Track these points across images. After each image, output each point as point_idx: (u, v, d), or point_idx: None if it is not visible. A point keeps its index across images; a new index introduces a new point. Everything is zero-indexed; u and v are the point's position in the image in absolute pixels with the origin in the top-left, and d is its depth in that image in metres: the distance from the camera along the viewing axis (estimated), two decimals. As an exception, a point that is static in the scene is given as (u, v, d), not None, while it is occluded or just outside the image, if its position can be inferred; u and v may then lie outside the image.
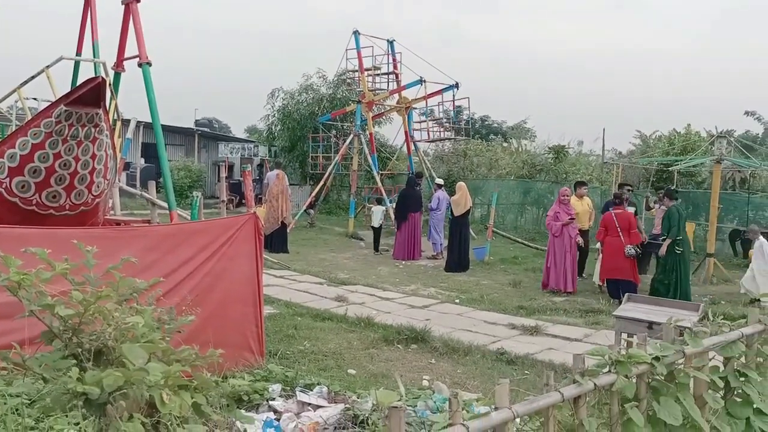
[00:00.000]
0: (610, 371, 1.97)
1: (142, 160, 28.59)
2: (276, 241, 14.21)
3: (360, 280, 11.26)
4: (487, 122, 48.99)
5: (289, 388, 4.85)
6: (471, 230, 17.95)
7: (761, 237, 10.29)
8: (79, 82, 6.16)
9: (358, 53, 19.42)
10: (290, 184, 24.41)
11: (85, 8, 7.37)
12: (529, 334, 7.95)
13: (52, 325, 1.80)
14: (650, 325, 5.33)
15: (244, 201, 20.49)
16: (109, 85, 5.77)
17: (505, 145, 31.39)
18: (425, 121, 21.20)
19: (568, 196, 11.25)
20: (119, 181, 8.31)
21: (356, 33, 19.28)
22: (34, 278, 1.90)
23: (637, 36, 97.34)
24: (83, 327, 1.83)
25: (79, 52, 7.58)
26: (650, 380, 2.17)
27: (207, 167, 30.49)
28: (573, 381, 1.85)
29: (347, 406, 4.51)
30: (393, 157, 23.06)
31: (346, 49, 19.77)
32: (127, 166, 27.23)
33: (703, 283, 11.98)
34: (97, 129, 5.21)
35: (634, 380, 2.07)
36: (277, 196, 14.58)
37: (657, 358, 2.09)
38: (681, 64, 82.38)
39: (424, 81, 19.45)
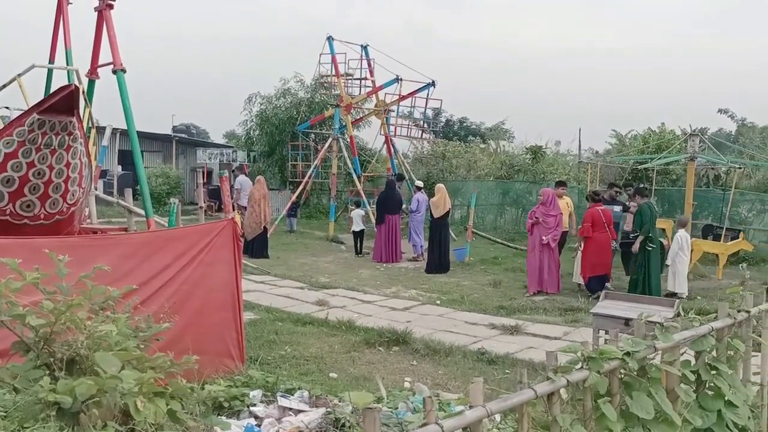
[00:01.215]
0: (582, 368, 2.00)
1: (119, 168, 28.29)
2: (256, 246, 14.16)
3: (341, 283, 11.26)
4: (465, 124, 49.24)
5: (270, 393, 4.84)
6: (451, 231, 18.05)
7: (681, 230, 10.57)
8: (53, 90, 6.09)
9: (333, 58, 19.51)
10: (270, 189, 24.40)
11: (57, 15, 7.28)
12: (509, 334, 8.02)
13: (24, 335, 1.79)
14: (627, 321, 5.41)
15: (222, 206, 20.47)
16: (83, 92, 5.73)
17: (483, 146, 31.58)
18: (401, 117, 21.29)
19: (543, 196, 11.03)
20: (96, 189, 8.22)
21: (330, 38, 19.38)
22: (4, 288, 1.88)
23: (613, 34, 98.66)
24: (55, 336, 1.82)
25: (52, 60, 7.49)
26: (623, 375, 2.21)
27: (185, 173, 30.25)
28: (546, 378, 1.88)
29: (328, 409, 4.51)
30: (372, 159, 23.08)
31: (320, 54, 19.84)
32: (103, 173, 26.94)
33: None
34: (71, 137, 5.16)
35: (607, 376, 2.11)
36: (259, 201, 14.52)
37: (628, 354, 2.14)
38: (656, 62, 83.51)
39: (401, 79, 19.58)
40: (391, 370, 6.42)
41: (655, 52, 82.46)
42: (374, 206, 15.96)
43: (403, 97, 20.01)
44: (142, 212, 7.27)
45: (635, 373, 2.17)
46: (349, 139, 20.17)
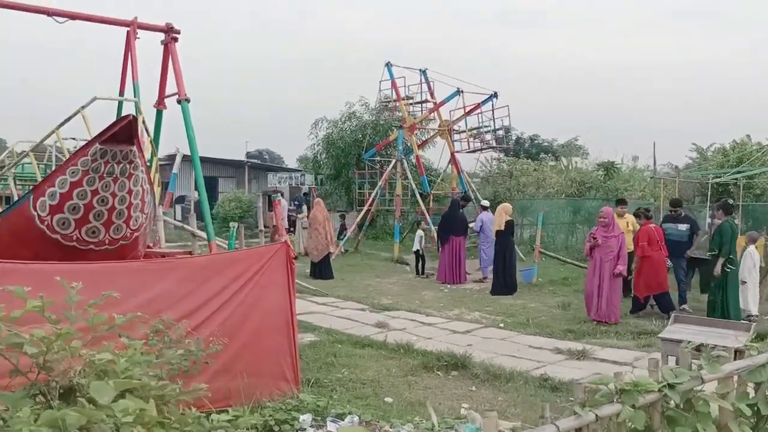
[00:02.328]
0: (615, 401, 1.85)
1: (196, 193, 29.47)
2: (323, 267, 14.35)
3: (403, 305, 11.17)
4: (536, 141, 48.41)
5: (320, 418, 4.81)
6: (519, 252, 17.65)
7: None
8: (141, 123, 6.38)
9: (393, 83, 19.72)
10: (337, 211, 24.75)
11: (126, 50, 7.68)
12: (575, 359, 7.68)
13: (18, 363, 1.82)
14: (698, 347, 5.06)
15: (292, 229, 20.88)
16: (143, 122, 5.98)
17: (552, 163, 30.87)
18: (466, 132, 21.03)
19: (604, 218, 9.89)
20: (162, 214, 8.54)
21: (389, 64, 19.62)
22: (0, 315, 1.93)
23: (695, 46, 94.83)
24: (53, 365, 1.85)
25: (122, 92, 7.90)
26: (665, 409, 2.03)
27: (257, 197, 31.15)
28: (573, 413, 1.74)
29: (378, 436, 4.43)
30: (437, 179, 23.00)
31: (380, 81, 20.08)
32: (181, 199, 28.12)
33: (766, 300, 11.35)
34: (132, 165, 5.37)
35: (646, 410, 1.94)
36: (323, 223, 14.74)
37: (671, 386, 1.96)
38: (741, 72, 79.56)
39: (462, 92, 19.52)
40: (448, 396, 6.25)
41: (741, 62, 78.58)
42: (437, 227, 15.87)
43: (467, 113, 19.92)
44: (205, 236, 7.47)
45: (680, 407, 1.99)
46: (414, 160, 20.20)
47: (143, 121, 6.05)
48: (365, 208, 19.50)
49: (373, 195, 19.63)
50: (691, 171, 23.00)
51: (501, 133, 20.58)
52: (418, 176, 21.28)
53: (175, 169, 10.46)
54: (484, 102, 19.63)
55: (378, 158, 22.01)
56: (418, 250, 15.29)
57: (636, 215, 10.96)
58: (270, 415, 4.67)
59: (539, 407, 5.88)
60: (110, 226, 5.57)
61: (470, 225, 15.71)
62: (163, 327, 4.23)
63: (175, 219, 17.14)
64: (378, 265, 17.16)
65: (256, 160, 36.82)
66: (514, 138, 47.29)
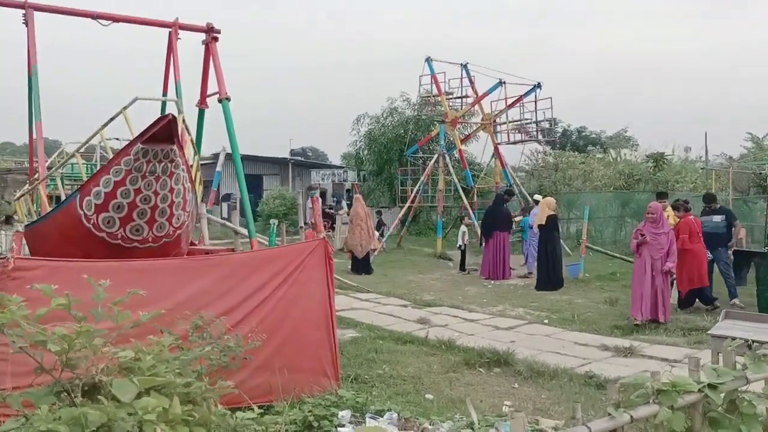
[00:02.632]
0: (652, 402, 1.76)
1: (241, 191, 29.94)
2: (363, 263, 14.41)
3: (445, 301, 11.09)
4: (584, 133, 47.34)
5: (359, 414, 4.80)
6: (565, 246, 17.30)
7: None
8: (181, 122, 6.50)
9: (434, 78, 19.53)
10: (380, 207, 24.75)
11: (168, 51, 7.83)
12: (622, 356, 7.47)
13: (42, 361, 1.85)
14: (750, 344, 4.83)
15: (334, 226, 21.00)
16: (183, 121, 6.06)
17: (600, 156, 30.14)
18: (509, 123, 20.66)
19: (653, 213, 9.24)
20: (206, 212, 8.69)
21: (429, 60, 19.45)
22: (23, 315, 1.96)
23: (749, 31, 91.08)
24: (77, 362, 1.87)
25: (165, 92, 8.06)
26: (707, 411, 1.93)
27: (301, 195, 31.42)
28: (607, 413, 1.67)
29: (416, 433, 4.39)
30: (481, 173, 22.76)
31: (420, 76, 19.92)
32: (227, 197, 28.64)
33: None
34: (173, 164, 5.45)
35: (686, 411, 1.84)
36: (365, 219, 14.91)
37: (712, 386, 1.85)
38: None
39: (504, 83, 19.20)
40: (490, 393, 6.16)
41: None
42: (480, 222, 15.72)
43: (511, 104, 19.61)
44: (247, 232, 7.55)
45: (722, 408, 1.88)
46: (457, 154, 20.01)
47: (183, 120, 6.15)
48: (407, 205, 19.42)
49: (415, 191, 19.53)
50: (746, 161, 22.10)
51: (545, 124, 20.15)
52: (461, 171, 21.09)
53: (218, 168, 10.62)
54: (527, 93, 19.29)
55: (420, 155, 21.90)
56: (461, 246, 15.18)
57: (675, 207, 10.58)
58: (309, 411, 4.68)
59: (584, 405, 5.75)
60: (153, 224, 5.67)
61: (515, 219, 15.52)
62: (203, 323, 4.29)
63: (221, 216, 17.49)
64: (420, 261, 17.09)
65: (299, 158, 37.19)
66: (560, 130, 46.44)
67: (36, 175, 6.65)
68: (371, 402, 4.95)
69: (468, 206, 17.97)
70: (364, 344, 7.86)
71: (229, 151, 11.99)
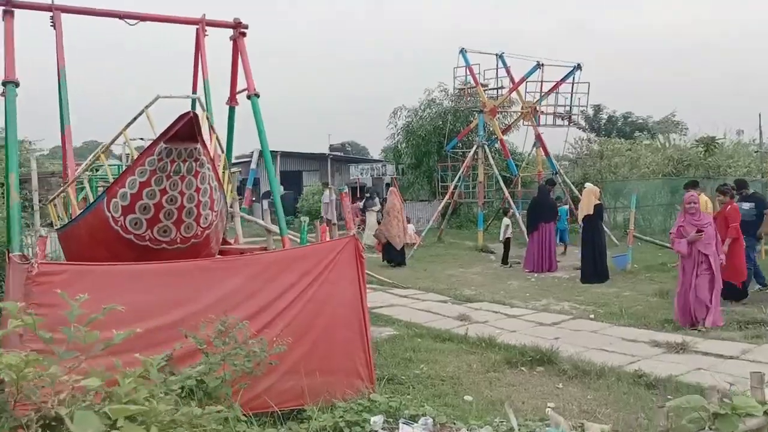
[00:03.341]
0: (707, 429, 1.48)
1: (281, 188, 30.09)
2: (399, 253, 14.68)
3: (486, 296, 10.77)
4: (630, 119, 45.97)
5: (392, 419, 4.58)
6: (612, 236, 16.72)
7: None
8: (204, 119, 6.39)
9: (470, 68, 19.06)
10: (420, 200, 24.45)
11: (196, 49, 7.74)
12: (674, 352, 7.06)
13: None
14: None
15: (349, 221, 20.80)
16: (206, 118, 5.93)
17: (647, 142, 29.12)
18: (545, 106, 19.93)
19: (694, 203, 8.44)
20: (240, 210, 8.60)
21: (463, 51, 18.97)
22: None
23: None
24: (32, 393, 1.69)
25: (194, 90, 7.96)
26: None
27: (331, 191, 31.37)
28: (657, 444, 1.40)
29: (452, 440, 4.15)
30: (523, 163, 22.24)
31: (455, 68, 19.48)
32: (267, 194, 28.81)
33: None
34: (198, 163, 5.31)
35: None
36: (401, 211, 14.92)
37: (785, 410, 1.56)
38: None
39: (542, 65, 18.59)
40: (533, 394, 5.87)
41: None
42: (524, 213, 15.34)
43: (551, 89, 19.00)
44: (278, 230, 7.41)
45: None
46: (498, 144, 19.53)
47: (208, 118, 6.01)
48: (446, 198, 19.06)
49: (453, 183, 19.12)
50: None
51: (587, 109, 19.41)
52: (502, 161, 20.60)
53: (253, 165, 10.53)
54: (567, 75, 18.66)
55: (461, 149, 21.46)
56: (507, 239, 14.80)
57: (723, 192, 9.98)
58: (341, 417, 4.49)
59: (633, 407, 5.40)
60: (181, 225, 5.55)
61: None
62: (225, 328, 4.14)
63: (262, 214, 17.51)
64: (461, 254, 16.77)
65: (339, 153, 37.15)
66: (606, 117, 45.15)
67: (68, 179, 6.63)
68: (405, 406, 4.73)
69: (509, 198, 17.52)
70: (402, 343, 7.64)
71: (273, 148, 11.98)
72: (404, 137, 25.17)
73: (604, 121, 45.09)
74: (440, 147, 22.22)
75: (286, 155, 31.35)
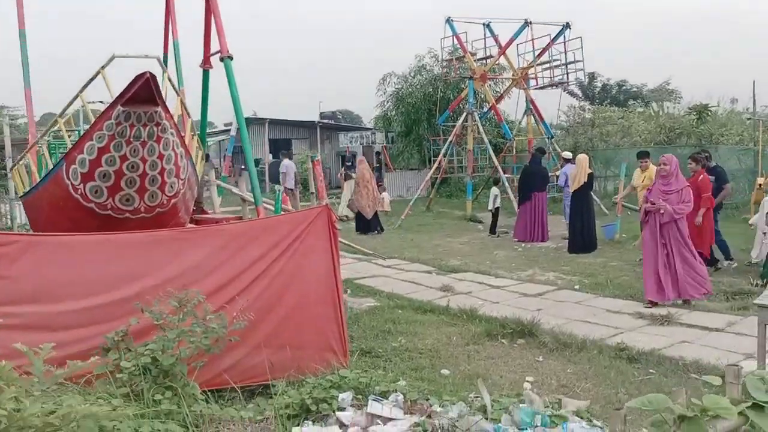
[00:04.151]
0: (674, 434, 1.28)
1: (270, 156, 29.64)
2: (372, 222, 14.97)
3: (472, 266, 10.59)
4: (624, 87, 45.44)
5: (361, 396, 4.40)
6: (602, 206, 16.53)
7: None
8: (166, 81, 6.08)
9: (457, 36, 18.60)
10: (410, 169, 24.10)
11: (166, 8, 7.37)
12: (658, 324, 6.92)
13: None
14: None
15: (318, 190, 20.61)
16: (168, 80, 5.61)
17: (640, 110, 28.78)
18: (539, 65, 19.43)
19: (664, 165, 7.82)
20: (220, 179, 8.32)
21: (449, 20, 18.50)
22: None
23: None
24: None
25: (165, 53, 7.62)
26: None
27: (331, 158, 30.97)
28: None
29: (421, 418, 3.98)
30: (514, 131, 21.91)
31: (441, 39, 19.00)
32: (256, 162, 28.42)
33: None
34: (160, 128, 5.04)
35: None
36: (370, 180, 15.11)
37: (759, 406, 1.35)
38: None
39: (530, 23, 18.15)
40: (512, 368, 5.71)
41: None
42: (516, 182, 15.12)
43: (540, 53, 18.59)
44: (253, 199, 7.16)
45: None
46: (490, 111, 19.14)
47: (170, 79, 5.69)
48: (434, 166, 18.75)
49: (442, 151, 18.77)
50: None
51: (578, 66, 18.82)
52: (493, 128, 20.26)
53: (232, 132, 10.20)
54: (557, 35, 18.23)
55: (452, 122, 21.04)
56: (496, 208, 14.56)
57: (695, 159, 9.78)
58: (308, 393, 4.30)
59: (613, 381, 5.26)
60: (144, 193, 5.30)
61: (555, 174, 14.91)
62: (180, 303, 3.92)
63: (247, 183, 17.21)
64: (449, 224, 16.57)
65: (329, 121, 36.59)
66: (600, 85, 44.60)
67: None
68: (376, 382, 4.54)
69: (499, 167, 17.23)
70: (382, 314, 7.47)
71: (250, 115, 11.61)
72: (394, 105, 24.73)
73: (598, 89, 44.56)
74: (430, 115, 21.83)
75: (274, 123, 30.85)
